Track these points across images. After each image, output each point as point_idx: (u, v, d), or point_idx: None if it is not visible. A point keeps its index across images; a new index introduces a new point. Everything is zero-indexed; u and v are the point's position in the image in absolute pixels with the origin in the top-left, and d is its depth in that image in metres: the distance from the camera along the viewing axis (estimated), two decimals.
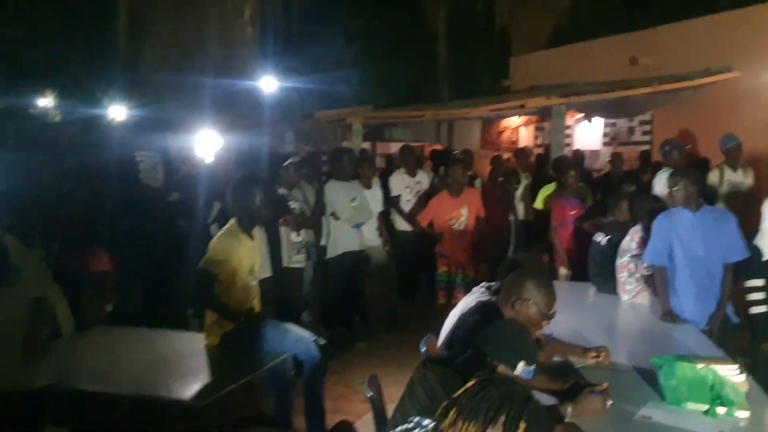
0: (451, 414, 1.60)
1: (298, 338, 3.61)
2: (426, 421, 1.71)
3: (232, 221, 3.77)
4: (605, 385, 2.60)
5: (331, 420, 3.85)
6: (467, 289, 5.92)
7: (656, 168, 7.92)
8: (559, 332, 3.48)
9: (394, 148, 15.86)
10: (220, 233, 3.72)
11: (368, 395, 2.76)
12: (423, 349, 3.36)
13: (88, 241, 4.28)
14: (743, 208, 6.46)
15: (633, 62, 11.17)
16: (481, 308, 2.74)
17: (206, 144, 5.21)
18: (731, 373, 2.67)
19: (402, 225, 7.44)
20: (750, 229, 4.40)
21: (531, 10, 15.70)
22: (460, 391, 1.64)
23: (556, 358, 3.24)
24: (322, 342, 3.70)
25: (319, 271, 6.54)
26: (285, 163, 5.81)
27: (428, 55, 20.06)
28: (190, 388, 3.06)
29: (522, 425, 1.53)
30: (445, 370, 2.18)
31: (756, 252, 4.18)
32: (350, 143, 11.81)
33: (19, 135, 4.03)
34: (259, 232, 4.13)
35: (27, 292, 2.90)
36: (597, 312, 4.46)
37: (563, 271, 6.01)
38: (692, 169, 4.98)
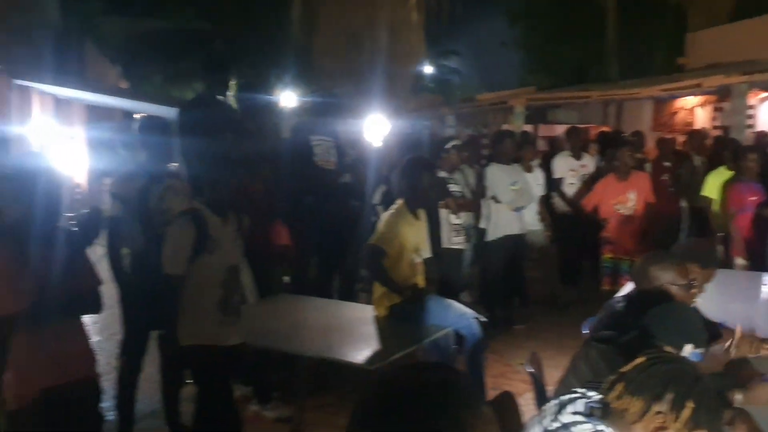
0: (618, 387, 1.66)
1: (460, 314, 3.79)
2: (591, 393, 1.79)
3: (399, 202, 4.00)
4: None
5: (490, 396, 4.00)
6: None
7: None
8: (732, 322, 3.37)
9: (558, 130, 15.52)
10: (389, 212, 3.96)
11: (529, 371, 2.86)
12: (585, 331, 3.40)
13: (271, 218, 4.71)
14: None
15: None
16: (628, 295, 2.74)
17: (375, 128, 5.49)
18: None
19: (563, 208, 7.36)
20: None
21: None
22: (628, 366, 1.70)
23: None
24: (484, 319, 3.84)
25: (479, 253, 6.66)
26: (446, 146, 5.98)
27: (596, 32, 19.30)
28: (361, 353, 3.34)
29: (689, 405, 1.56)
30: (608, 348, 2.23)
31: None
32: (512, 126, 11.77)
33: (210, 121, 4.51)
34: (422, 214, 4.34)
35: (223, 260, 3.30)
36: None
37: (739, 260, 5.67)
38: None
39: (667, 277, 2.73)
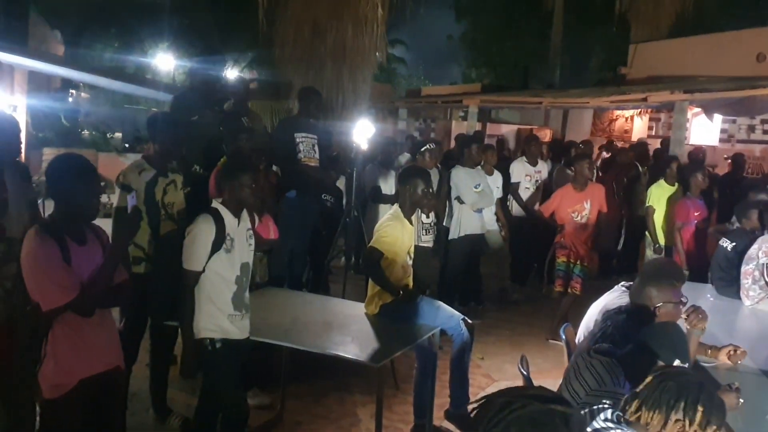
0: (635, 404, 2.01)
1: (449, 315, 4.10)
2: (608, 412, 2.11)
3: (396, 207, 4.27)
4: (736, 384, 2.93)
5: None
6: (584, 279, 6.27)
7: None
8: None
9: (504, 129, 16.13)
10: (387, 217, 4.23)
11: (522, 373, 3.21)
12: (563, 337, 3.76)
13: (261, 212, 4.88)
14: None
15: (760, 59, 10.94)
16: (627, 308, 3.11)
17: (362, 131, 5.73)
18: None
19: (518, 211, 7.79)
20: None
21: None
22: (641, 386, 2.04)
23: None
24: (470, 321, 4.16)
25: (441, 251, 7.00)
26: (422, 149, 6.27)
27: (541, 34, 19.90)
28: (365, 350, 3.60)
29: (700, 409, 1.93)
30: (609, 360, 2.58)
31: None
32: (462, 123, 12.17)
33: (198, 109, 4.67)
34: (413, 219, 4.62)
35: (238, 258, 3.49)
36: (718, 314, 4.68)
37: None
38: None
39: (664, 297, 3.10)
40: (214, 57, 13.88)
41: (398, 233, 4.12)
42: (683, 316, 3.10)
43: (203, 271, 3.36)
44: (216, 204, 3.47)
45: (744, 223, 5.16)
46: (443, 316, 4.09)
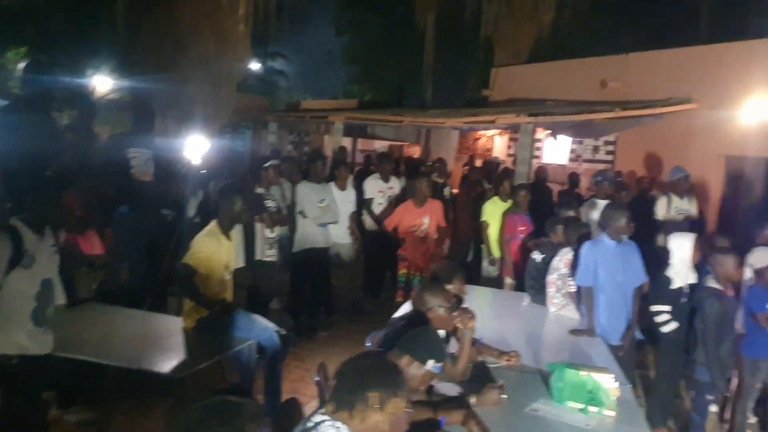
0: (331, 403, 2.20)
1: (263, 327, 4.24)
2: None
3: (213, 222, 4.37)
4: (501, 382, 3.25)
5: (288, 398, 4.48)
6: None
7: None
8: (488, 335, 4.16)
9: (377, 144, 16.51)
10: (203, 233, 4.31)
11: (315, 380, 3.39)
12: (368, 344, 3.99)
13: (84, 228, 4.84)
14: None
15: (603, 85, 11.86)
16: (409, 315, 3.38)
17: (195, 147, 5.78)
18: (607, 381, 3.33)
19: (371, 225, 8.06)
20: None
21: (515, 23, 16.28)
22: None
23: (479, 358, 3.89)
24: (284, 332, 4.31)
25: (288, 264, 7.14)
26: (265, 165, 6.40)
27: (416, 54, 20.59)
28: (169, 363, 3.67)
29: (374, 393, 2.13)
30: None
31: (665, 281, 4.86)
32: (332, 138, 12.40)
33: (31, 130, 4.51)
34: (236, 231, 4.73)
35: (38, 274, 3.47)
36: (525, 320, 5.14)
37: (508, 280, 6.68)
38: (625, 205, 5.73)
39: (435, 301, 3.39)
40: (71, 65, 13.42)
41: (213, 248, 4.22)
42: (454, 317, 3.39)
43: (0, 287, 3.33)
44: (14, 221, 3.45)
45: (552, 237, 5.63)
46: (257, 329, 4.22)
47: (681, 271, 4.81)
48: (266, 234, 6.35)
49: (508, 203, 7.12)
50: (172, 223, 6.12)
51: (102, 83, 13.30)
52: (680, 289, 4.81)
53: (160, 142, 5.94)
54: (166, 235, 5.92)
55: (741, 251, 4.95)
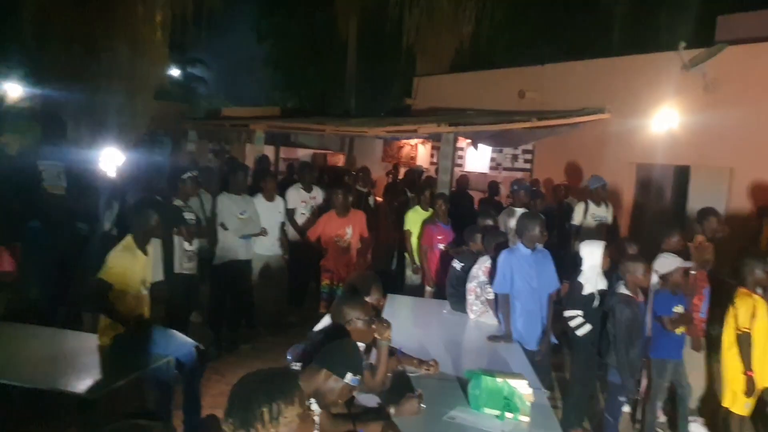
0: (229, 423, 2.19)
1: (181, 343, 4.15)
2: None
3: (128, 237, 4.26)
4: (419, 391, 3.31)
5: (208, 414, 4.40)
6: None
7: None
8: (409, 343, 4.22)
9: (300, 153, 16.43)
10: (117, 247, 4.20)
11: None
12: (289, 357, 3.96)
13: None
14: (605, 239, 7.42)
15: (521, 95, 12.20)
16: (327, 328, 3.40)
17: (109, 158, 5.62)
18: (521, 387, 3.44)
19: (294, 236, 8.01)
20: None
21: (436, 33, 16.55)
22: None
23: (399, 368, 3.93)
24: (202, 347, 4.24)
25: (208, 277, 7.00)
26: (183, 176, 6.26)
27: (339, 62, 20.63)
28: (83, 383, 3.55)
29: (263, 409, 2.14)
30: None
31: (577, 287, 5.05)
32: (254, 146, 12.26)
33: None
34: (153, 244, 4.62)
35: None
36: (446, 327, 5.24)
37: (429, 288, 6.79)
38: (540, 213, 5.93)
39: (354, 314, 3.42)
40: None
41: (128, 263, 4.12)
42: (373, 329, 3.43)
43: None
44: None
45: (471, 246, 5.77)
46: (175, 344, 4.14)
47: (591, 277, 5.01)
48: (185, 247, 6.21)
49: (430, 212, 7.23)
50: (85, 238, 5.93)
51: (11, 90, 12.70)
52: (591, 294, 5.01)
53: (73, 153, 5.72)
54: (79, 249, 5.72)
55: (650, 257, 5.19)
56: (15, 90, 12.21)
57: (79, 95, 9.61)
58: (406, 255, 7.43)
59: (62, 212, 5.39)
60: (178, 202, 6.18)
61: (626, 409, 5.34)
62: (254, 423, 2.12)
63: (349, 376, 2.79)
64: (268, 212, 7.12)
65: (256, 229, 6.88)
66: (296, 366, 3.03)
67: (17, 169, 5.30)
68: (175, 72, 24.55)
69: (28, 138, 8.72)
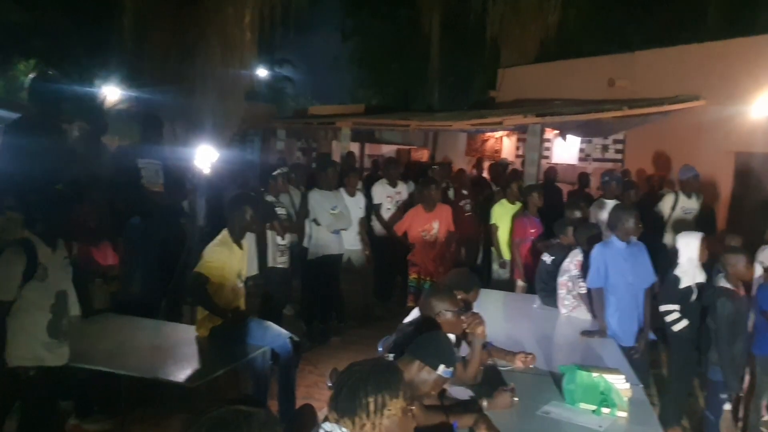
0: (333, 412, 2.20)
1: (276, 334, 4.28)
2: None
3: (225, 232, 4.42)
4: (512, 385, 3.27)
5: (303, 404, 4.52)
6: None
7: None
8: (500, 338, 4.18)
9: (385, 149, 16.56)
10: (214, 242, 4.36)
11: (329, 385, 3.41)
12: (380, 349, 4.01)
13: (98, 239, 4.90)
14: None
15: (611, 84, 11.81)
16: (418, 320, 3.41)
17: (204, 156, 5.85)
18: (618, 382, 3.34)
19: (381, 230, 8.09)
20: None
21: (520, 23, 16.25)
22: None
23: (490, 361, 3.90)
24: (297, 339, 4.35)
25: (301, 271, 7.18)
26: (274, 173, 6.45)
27: (421, 58, 20.62)
28: (183, 372, 3.71)
29: (370, 400, 2.12)
30: None
31: (674, 280, 4.86)
32: (339, 144, 12.45)
33: (40, 147, 4.57)
34: (248, 239, 4.78)
35: (52, 286, 3.54)
36: (537, 322, 5.15)
37: (520, 283, 6.69)
38: (633, 205, 5.72)
39: (443, 306, 3.42)
40: (80, 76, 13.54)
41: (225, 257, 4.27)
42: (463, 321, 3.42)
43: (14, 300, 3.39)
44: (28, 234, 3.51)
45: (562, 239, 5.64)
46: (270, 336, 4.26)
47: (689, 270, 4.81)
48: (277, 241, 6.40)
49: (517, 205, 7.12)
50: (184, 233, 6.19)
51: (111, 93, 13.46)
52: (689, 288, 4.80)
53: (170, 152, 5.98)
54: (178, 245, 5.99)
55: (751, 249, 4.93)
56: (114, 93, 12.91)
57: (174, 97, 10.02)
58: (493, 250, 7.35)
59: (161, 209, 5.63)
60: (269, 198, 6.37)
61: (727, 407, 5.09)
62: (360, 413, 2.14)
63: (441, 368, 2.79)
64: (350, 207, 7.22)
65: (348, 224, 6.99)
66: (389, 357, 3.06)
67: (118, 168, 5.57)
68: (263, 72, 25.19)
69: (127, 138, 9.20)
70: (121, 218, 5.29)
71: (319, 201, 6.82)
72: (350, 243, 7.32)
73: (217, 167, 6.41)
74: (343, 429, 2.15)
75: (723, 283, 4.61)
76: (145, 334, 4.51)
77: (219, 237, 4.39)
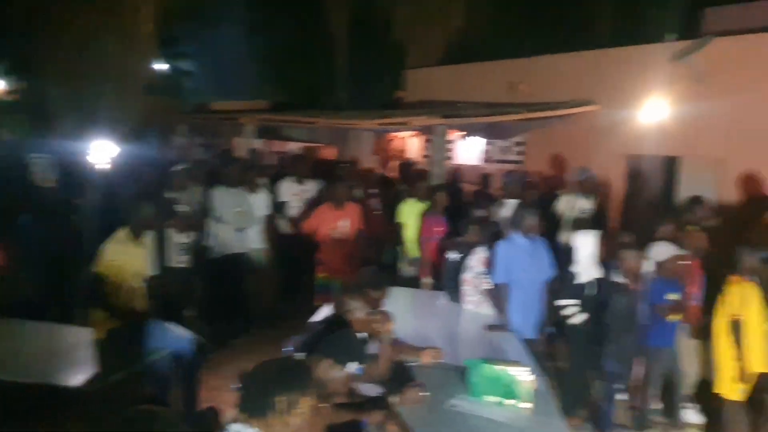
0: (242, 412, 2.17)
1: (178, 336, 4.13)
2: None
3: (122, 229, 4.22)
4: (421, 381, 3.30)
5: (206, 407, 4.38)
6: None
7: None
8: (408, 334, 4.21)
9: (290, 146, 16.35)
10: (111, 240, 4.16)
11: (234, 387, 3.32)
12: (289, 348, 3.94)
13: None
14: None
15: (512, 88, 12.20)
16: (328, 318, 3.39)
17: (100, 151, 5.56)
18: (522, 374, 3.44)
19: (286, 229, 7.97)
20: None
21: (426, 26, 16.54)
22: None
23: (399, 358, 3.92)
24: (200, 340, 4.22)
25: (202, 270, 6.96)
26: (175, 169, 6.23)
27: (329, 56, 20.54)
28: (80, 377, 3.51)
29: (282, 399, 2.15)
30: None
31: (571, 276, 5.07)
32: (243, 141, 12.19)
33: None
34: (147, 237, 4.59)
35: None
36: (443, 318, 5.23)
37: (426, 280, 6.77)
38: (534, 204, 5.93)
39: (357, 304, 3.40)
40: None
41: (123, 256, 4.10)
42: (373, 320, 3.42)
43: None
44: None
45: (467, 237, 5.76)
46: (172, 337, 4.11)
47: (587, 266, 5.03)
48: (179, 239, 6.18)
49: (424, 204, 7.21)
50: (76, 231, 5.87)
51: None
52: (587, 283, 5.02)
53: (63, 146, 5.66)
54: (70, 242, 5.67)
55: (641, 247, 5.20)
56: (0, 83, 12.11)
57: (68, 88, 9.51)
58: (398, 248, 7.41)
59: (53, 205, 5.32)
60: (170, 195, 6.14)
61: (621, 396, 5.36)
62: (269, 412, 2.10)
63: (351, 366, 2.78)
64: (254, 205, 7.08)
65: (251, 222, 6.85)
66: (299, 356, 3.01)
67: (4, 163, 5.22)
68: (163, 67, 24.33)
69: (14, 131, 8.64)
70: (8, 215, 4.95)
71: (223, 198, 6.66)
72: (254, 241, 7.18)
73: (114, 162, 6.11)
74: (253, 429, 2.10)
75: (617, 278, 4.84)
76: (37, 337, 4.23)
77: (116, 234, 4.19)
